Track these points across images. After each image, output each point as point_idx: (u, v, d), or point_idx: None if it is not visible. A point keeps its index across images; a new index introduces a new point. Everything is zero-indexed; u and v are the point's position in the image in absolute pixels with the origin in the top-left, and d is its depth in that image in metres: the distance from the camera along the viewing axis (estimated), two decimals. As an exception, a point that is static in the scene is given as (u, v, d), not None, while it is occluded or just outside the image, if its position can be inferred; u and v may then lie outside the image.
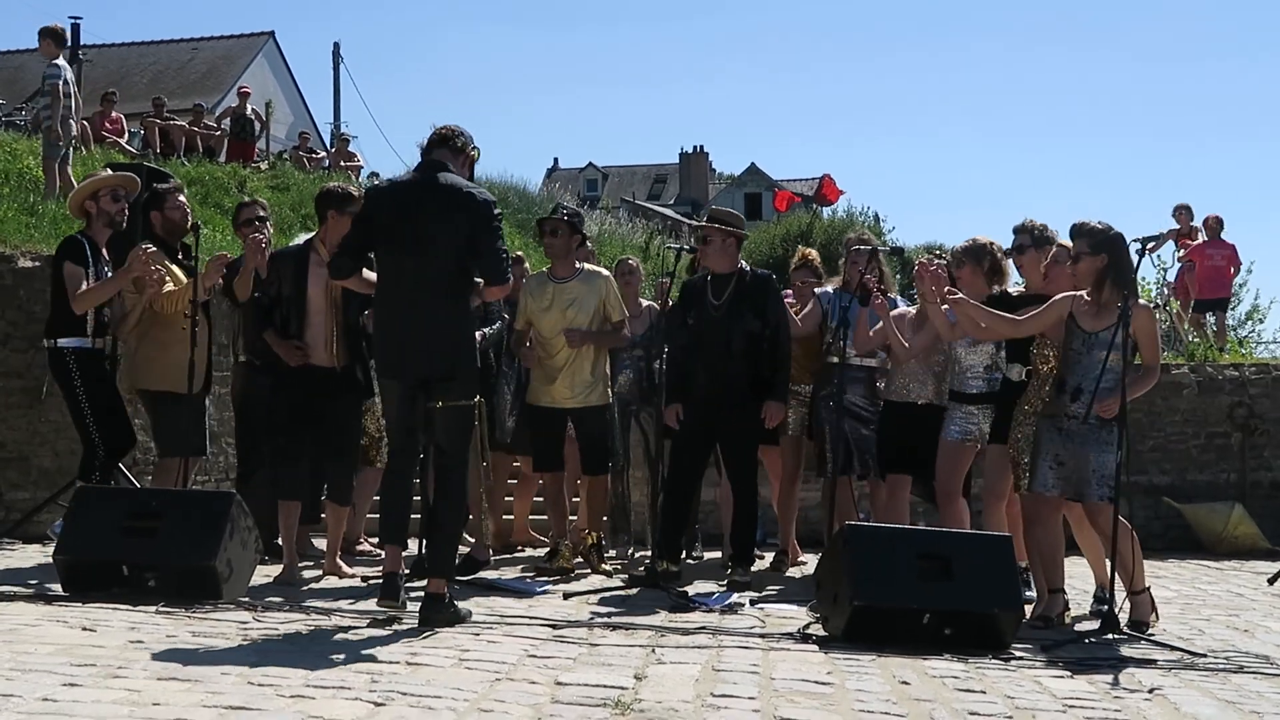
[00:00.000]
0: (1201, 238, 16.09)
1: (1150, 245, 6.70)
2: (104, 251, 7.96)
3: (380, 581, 6.14)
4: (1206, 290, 15.80)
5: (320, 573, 7.88)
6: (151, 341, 7.90)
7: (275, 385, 7.61)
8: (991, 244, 7.38)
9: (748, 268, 8.06)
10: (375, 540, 9.20)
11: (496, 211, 6.21)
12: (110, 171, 8.55)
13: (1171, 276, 16.94)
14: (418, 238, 6.07)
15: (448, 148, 6.28)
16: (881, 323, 7.73)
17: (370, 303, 6.76)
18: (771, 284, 8.04)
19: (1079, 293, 6.55)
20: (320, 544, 8.64)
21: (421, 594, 6.08)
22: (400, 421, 6.37)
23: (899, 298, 8.55)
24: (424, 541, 6.46)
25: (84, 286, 7.69)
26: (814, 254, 9.15)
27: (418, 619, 5.94)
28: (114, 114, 20.65)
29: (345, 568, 7.91)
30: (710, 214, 8.31)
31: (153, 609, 6.00)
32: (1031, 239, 7.09)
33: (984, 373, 7.26)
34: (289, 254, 7.67)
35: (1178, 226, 16.29)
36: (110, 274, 7.88)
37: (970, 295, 7.34)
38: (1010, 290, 7.35)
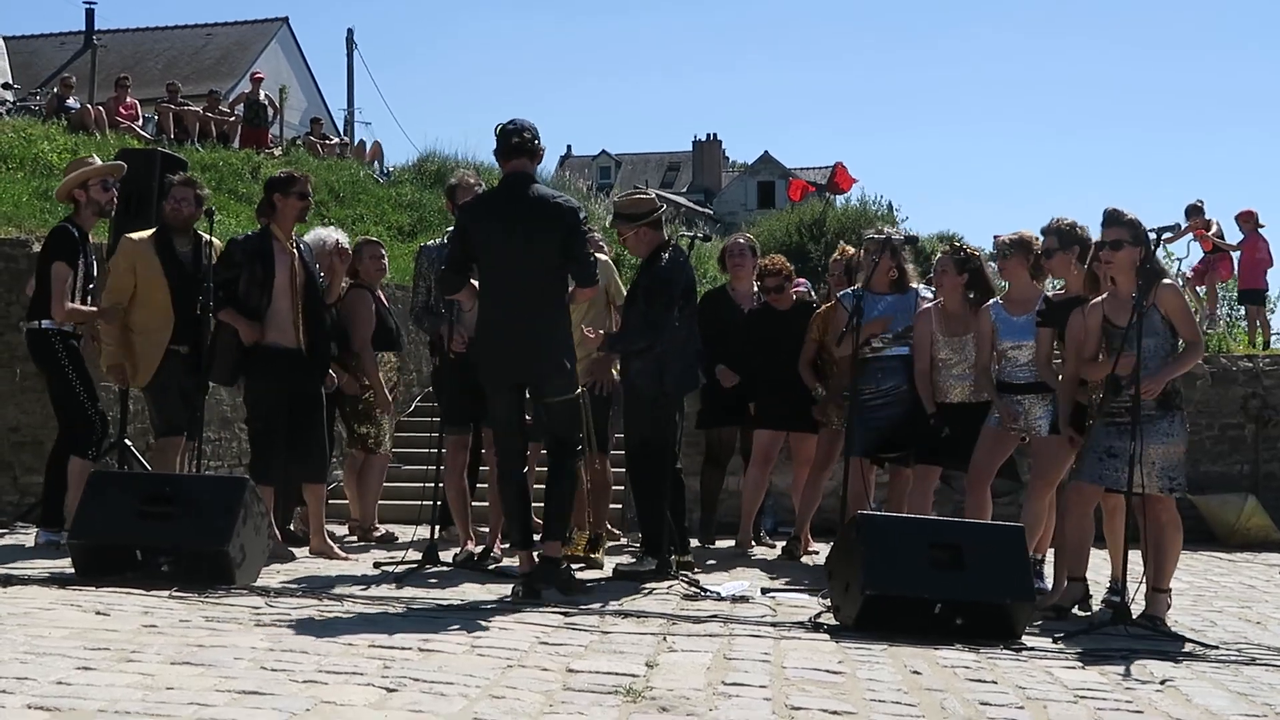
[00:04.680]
0: (1219, 229, 16.02)
1: (1166, 237, 6.65)
2: (90, 240, 8.18)
3: (523, 582, 6.51)
4: (1246, 282, 15.77)
5: (307, 551, 7.95)
6: (132, 334, 7.94)
7: (246, 370, 7.76)
8: (1036, 239, 7.38)
9: (667, 251, 7.67)
10: (389, 526, 9.27)
11: (583, 216, 6.67)
12: (97, 160, 8.59)
13: (1187, 267, 16.87)
14: (514, 250, 6.48)
15: (526, 154, 6.62)
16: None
17: None
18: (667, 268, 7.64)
19: (1100, 297, 6.54)
20: (333, 528, 8.69)
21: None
22: (506, 424, 6.70)
23: (920, 287, 8.54)
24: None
25: (69, 291, 7.89)
26: (851, 250, 9.13)
27: (539, 578, 6.46)
28: (128, 99, 20.69)
29: (334, 547, 7.99)
30: (615, 210, 7.98)
31: (166, 593, 6.02)
32: (1059, 240, 7.07)
33: (1030, 363, 7.22)
34: (250, 239, 7.87)
35: (1190, 224, 16.20)
36: (95, 261, 8.21)
37: (1014, 286, 7.43)
38: (1051, 294, 7.37)
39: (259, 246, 7.75)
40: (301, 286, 7.78)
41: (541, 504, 6.73)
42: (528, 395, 6.86)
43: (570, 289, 6.76)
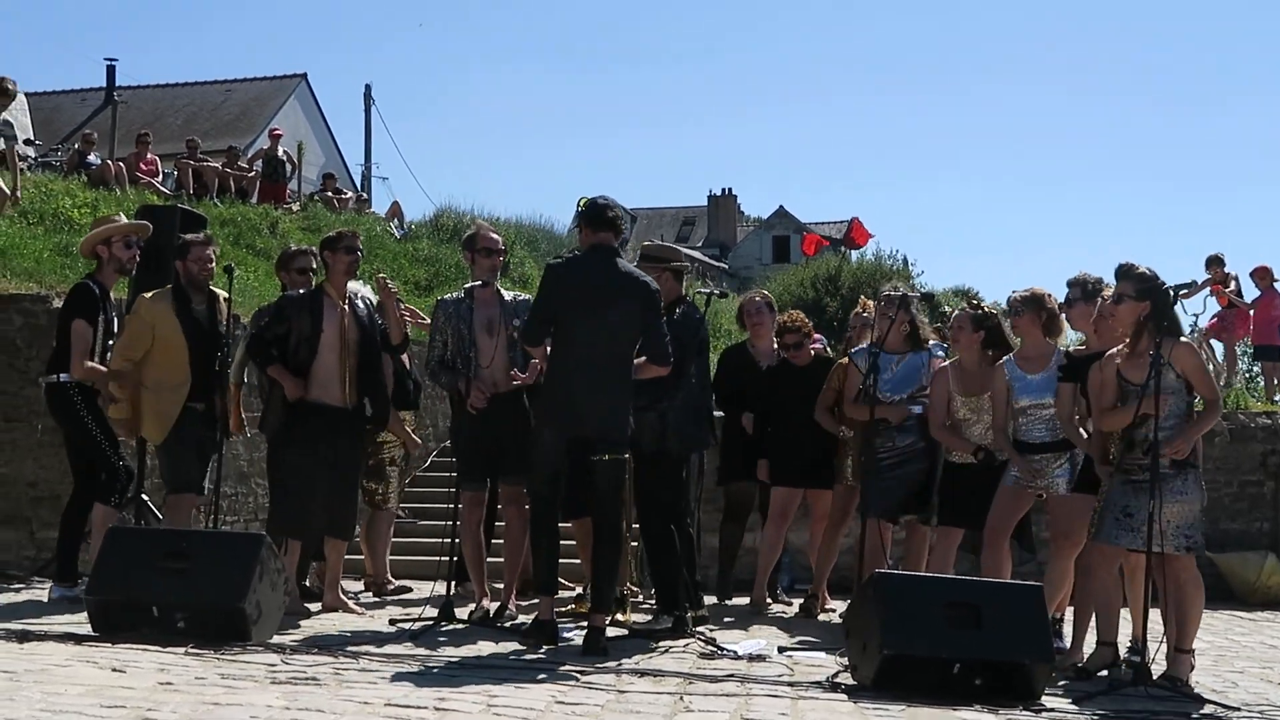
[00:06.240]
0: (1237, 285, 16.01)
1: (1183, 294, 6.65)
2: (111, 297, 8.25)
3: (534, 626, 6.83)
4: (1261, 339, 15.75)
5: (319, 608, 7.93)
6: (145, 389, 7.96)
7: (286, 423, 7.74)
8: (1049, 295, 7.37)
9: (681, 307, 7.91)
10: (400, 581, 9.25)
11: (660, 298, 7.06)
12: (123, 218, 8.66)
13: (1204, 323, 16.83)
14: (597, 317, 6.81)
15: (614, 230, 7.05)
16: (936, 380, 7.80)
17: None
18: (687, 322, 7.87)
19: (1115, 350, 6.54)
20: (348, 584, 8.66)
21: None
22: (549, 472, 6.90)
23: (934, 343, 8.53)
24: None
25: (89, 349, 7.96)
26: (871, 304, 9.14)
27: (581, 648, 6.59)
28: (149, 155, 20.84)
29: (349, 603, 7.98)
30: (642, 251, 8.32)
31: (182, 650, 6.01)
32: (1082, 292, 7.09)
33: (1048, 420, 7.20)
34: (300, 297, 7.94)
35: (1210, 276, 16.18)
36: (116, 318, 8.24)
37: (1026, 343, 7.37)
38: (1072, 349, 7.36)
39: (310, 303, 7.80)
40: (355, 344, 7.80)
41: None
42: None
43: (638, 361, 6.99)
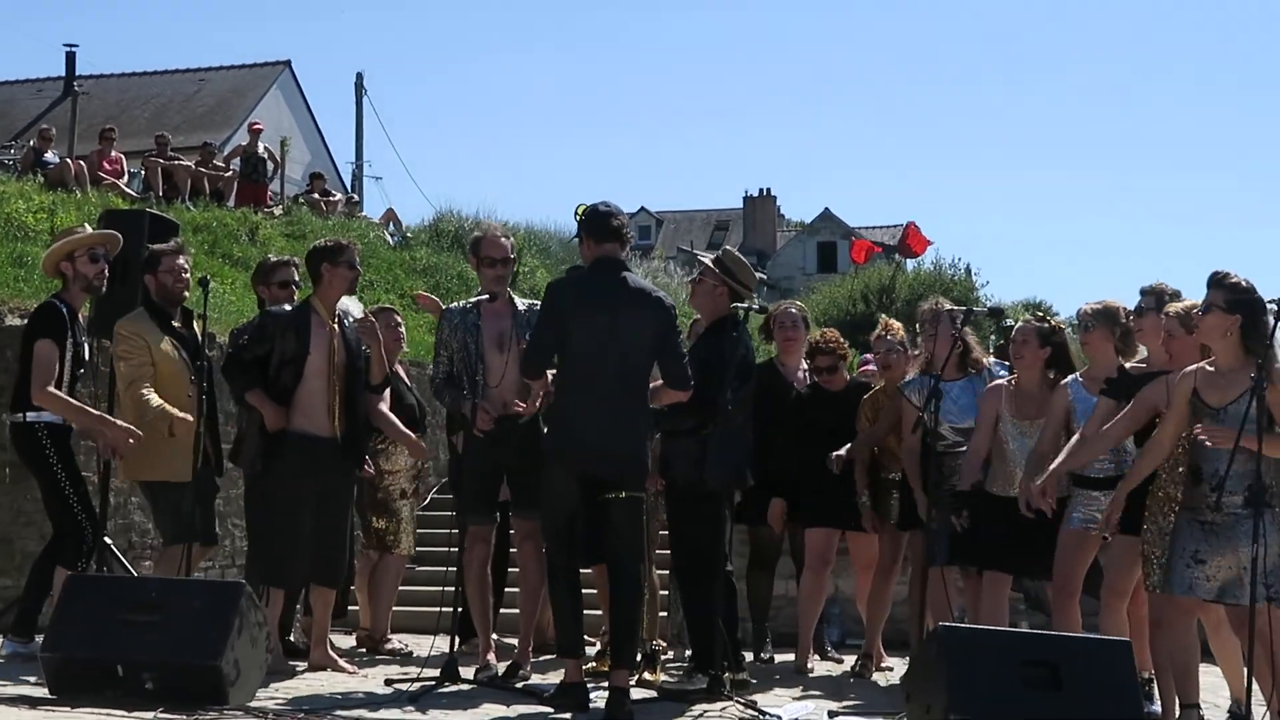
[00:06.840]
0: None
1: (1280, 310, 6.56)
2: (80, 319, 8.15)
3: (560, 689, 6.88)
4: None
5: (305, 666, 7.91)
6: (146, 425, 7.85)
7: (268, 455, 7.72)
8: (1124, 309, 7.31)
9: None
10: (402, 637, 9.23)
11: (676, 314, 7.10)
12: (88, 229, 8.62)
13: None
14: (604, 337, 6.87)
15: (620, 240, 7.08)
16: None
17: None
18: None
19: (1195, 366, 6.47)
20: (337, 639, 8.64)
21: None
22: (563, 512, 6.93)
23: (992, 361, 8.50)
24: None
25: (55, 376, 7.77)
26: (896, 325, 9.08)
27: (604, 713, 6.53)
28: (113, 153, 20.92)
29: (339, 660, 7.96)
30: (719, 255, 8.29)
31: (150, 714, 6.00)
32: (1155, 301, 7.03)
33: (1111, 454, 7.12)
34: (286, 314, 7.91)
35: None
36: (86, 343, 8.17)
37: (1097, 361, 7.32)
38: (1129, 367, 7.27)
39: (296, 320, 7.78)
40: (341, 367, 7.80)
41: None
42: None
43: (653, 385, 7.05)
